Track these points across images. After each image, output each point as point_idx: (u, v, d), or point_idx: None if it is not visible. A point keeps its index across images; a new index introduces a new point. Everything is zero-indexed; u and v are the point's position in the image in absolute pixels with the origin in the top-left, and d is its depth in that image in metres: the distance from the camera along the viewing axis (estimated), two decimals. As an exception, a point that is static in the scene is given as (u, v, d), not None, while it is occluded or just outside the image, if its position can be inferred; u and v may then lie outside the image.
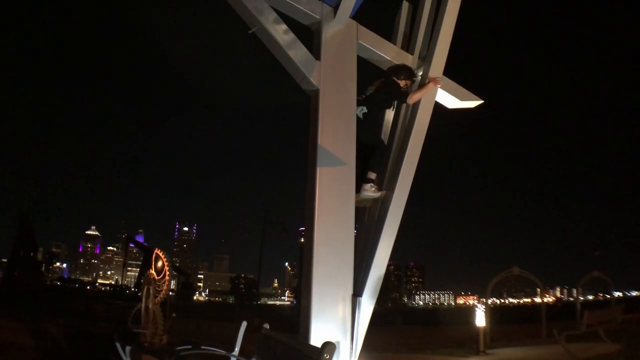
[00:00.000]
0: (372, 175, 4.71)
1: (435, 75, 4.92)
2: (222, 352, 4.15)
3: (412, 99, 4.85)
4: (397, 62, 5.07)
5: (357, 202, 4.51)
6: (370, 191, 4.66)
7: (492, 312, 15.02)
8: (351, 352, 4.01)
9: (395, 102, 5.09)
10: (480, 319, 10.71)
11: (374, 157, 4.80)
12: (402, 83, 4.94)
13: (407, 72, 5.00)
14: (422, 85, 4.96)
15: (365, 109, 4.72)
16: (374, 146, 4.84)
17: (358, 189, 4.54)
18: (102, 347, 8.14)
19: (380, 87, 4.89)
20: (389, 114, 5.21)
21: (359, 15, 4.76)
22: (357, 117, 4.60)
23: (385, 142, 5.08)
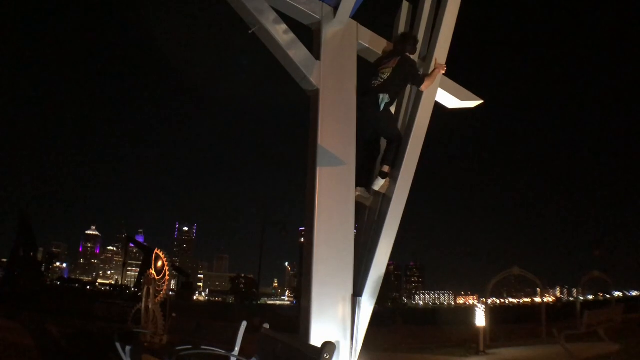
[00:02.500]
0: (387, 169, 4.64)
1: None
2: (222, 352, 4.15)
3: (425, 87, 4.78)
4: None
5: (358, 196, 4.50)
6: (382, 186, 4.60)
7: (492, 312, 15.02)
8: (351, 352, 4.01)
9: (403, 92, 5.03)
10: (480, 319, 10.73)
11: (390, 150, 4.71)
12: (413, 57, 4.88)
13: (413, 41, 4.92)
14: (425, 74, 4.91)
15: (387, 98, 4.61)
16: (391, 139, 4.77)
17: (359, 183, 4.50)
18: (102, 347, 8.14)
19: (397, 67, 4.70)
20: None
21: (359, 15, 4.76)
22: (378, 106, 4.55)
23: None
